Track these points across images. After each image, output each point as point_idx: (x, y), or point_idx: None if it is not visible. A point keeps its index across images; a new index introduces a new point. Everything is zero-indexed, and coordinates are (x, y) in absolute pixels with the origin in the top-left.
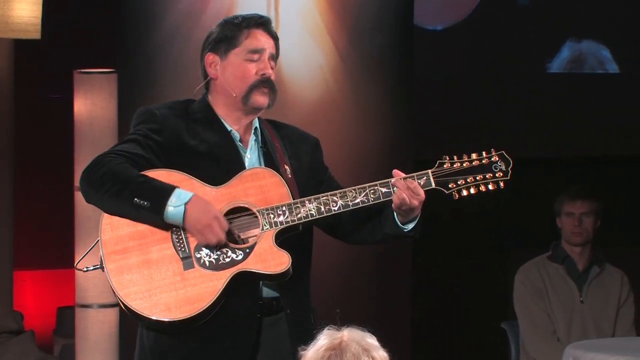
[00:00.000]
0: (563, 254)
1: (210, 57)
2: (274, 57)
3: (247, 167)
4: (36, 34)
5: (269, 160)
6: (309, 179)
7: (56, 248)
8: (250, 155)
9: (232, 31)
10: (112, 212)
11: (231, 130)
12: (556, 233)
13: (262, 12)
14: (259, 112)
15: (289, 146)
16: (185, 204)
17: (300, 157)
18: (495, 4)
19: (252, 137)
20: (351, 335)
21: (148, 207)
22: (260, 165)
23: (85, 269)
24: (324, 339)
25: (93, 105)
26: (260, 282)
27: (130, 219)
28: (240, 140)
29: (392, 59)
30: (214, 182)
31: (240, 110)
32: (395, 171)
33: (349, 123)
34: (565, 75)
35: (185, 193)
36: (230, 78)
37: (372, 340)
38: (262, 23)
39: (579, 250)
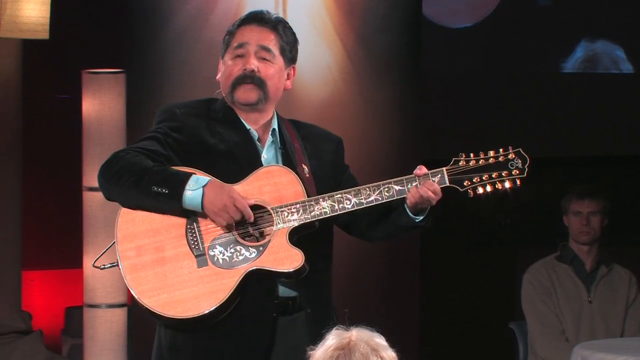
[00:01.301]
0: (571, 254)
1: (220, 63)
2: (267, 48)
3: (270, 164)
4: (44, 34)
5: (287, 160)
6: (328, 178)
7: (64, 248)
8: (267, 155)
9: (229, 33)
10: (132, 205)
11: (250, 129)
12: (566, 233)
13: (270, 11)
14: (257, 109)
15: (309, 146)
16: (203, 186)
17: (320, 157)
18: (516, 4)
19: (270, 137)
20: (360, 335)
21: (167, 193)
22: (278, 162)
23: (102, 267)
24: (332, 338)
25: (101, 105)
26: (277, 281)
27: (150, 210)
28: (259, 140)
29: (400, 58)
30: (231, 180)
31: (254, 110)
32: (418, 167)
33: (358, 123)
34: (579, 75)
35: (202, 178)
36: (222, 79)
37: (380, 340)
38: (252, 17)
39: (586, 250)
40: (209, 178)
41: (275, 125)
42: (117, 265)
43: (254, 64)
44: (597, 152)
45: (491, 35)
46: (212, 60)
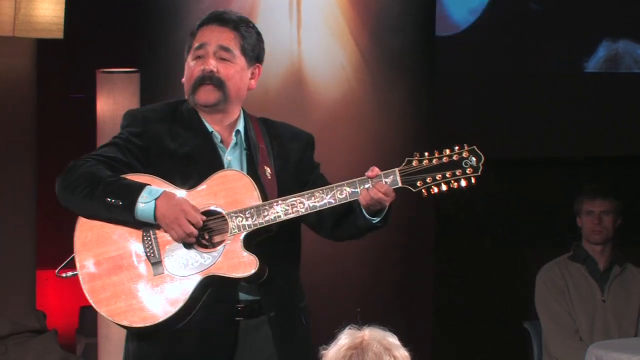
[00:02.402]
0: (584, 253)
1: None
2: (226, 48)
3: (225, 169)
4: (59, 34)
5: (250, 161)
6: (293, 178)
7: None
8: (230, 157)
9: (190, 35)
10: (87, 215)
11: (212, 131)
12: (580, 233)
13: (285, 11)
14: (218, 110)
15: (276, 146)
16: (156, 199)
17: (286, 157)
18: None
19: (234, 139)
20: (372, 334)
21: (120, 206)
22: (241, 166)
23: (65, 275)
24: (345, 338)
25: (115, 104)
26: (237, 286)
27: (105, 220)
28: (222, 142)
29: (414, 57)
30: (192, 185)
31: (217, 111)
32: (370, 169)
33: (371, 122)
34: (601, 75)
35: (156, 189)
36: (185, 81)
37: (393, 339)
38: (213, 18)
39: (599, 250)
40: (163, 190)
41: (240, 126)
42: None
43: (212, 64)
44: (619, 152)
45: (511, 35)
46: None
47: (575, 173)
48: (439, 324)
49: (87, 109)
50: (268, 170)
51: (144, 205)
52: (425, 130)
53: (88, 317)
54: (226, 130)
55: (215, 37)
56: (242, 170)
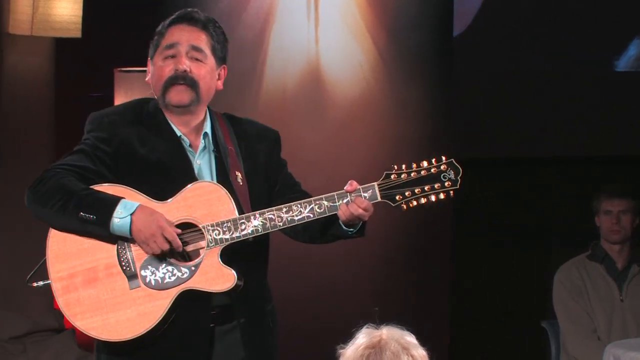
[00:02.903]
0: (602, 253)
1: (148, 64)
2: (198, 48)
3: (196, 174)
4: (77, 33)
5: (220, 165)
6: (264, 181)
7: None
8: (200, 161)
9: (158, 34)
10: (60, 228)
11: (181, 135)
12: (598, 232)
13: (302, 10)
14: (187, 111)
15: (244, 147)
16: (131, 214)
17: (255, 158)
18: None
19: (202, 142)
20: (390, 333)
21: (94, 220)
22: (211, 171)
23: (36, 284)
24: (362, 337)
25: None
26: (212, 295)
27: (77, 234)
28: (191, 146)
29: (431, 57)
30: (163, 193)
31: (186, 113)
32: (349, 183)
33: (388, 121)
34: (632, 74)
35: (131, 203)
36: (153, 81)
37: (411, 339)
38: (182, 17)
39: (617, 249)
40: (138, 203)
41: (207, 128)
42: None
43: (185, 63)
44: None
45: (539, 34)
46: (245, 60)
47: (601, 172)
48: (456, 323)
49: (105, 108)
50: (239, 175)
51: (120, 220)
52: (443, 129)
53: None
54: (193, 132)
55: (186, 36)
56: (212, 175)
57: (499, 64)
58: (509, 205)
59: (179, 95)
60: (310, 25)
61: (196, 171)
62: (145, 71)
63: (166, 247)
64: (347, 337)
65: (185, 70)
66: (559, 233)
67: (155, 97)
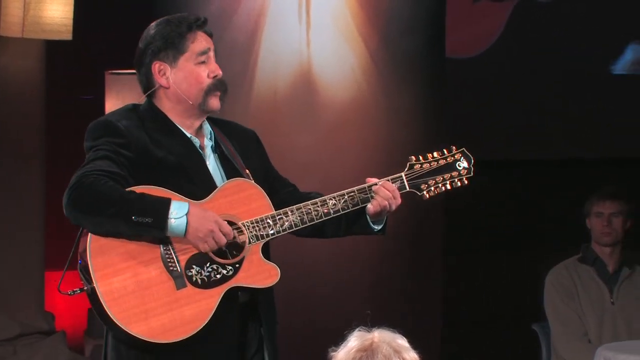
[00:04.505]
0: (593, 255)
1: (158, 66)
2: (215, 54)
3: (211, 173)
4: (68, 35)
5: (227, 162)
6: (264, 178)
7: None
8: (209, 161)
9: (177, 37)
10: (105, 233)
11: (190, 137)
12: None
13: (294, 12)
14: (208, 114)
15: (237, 145)
16: (186, 214)
17: (251, 156)
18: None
19: (209, 142)
20: (382, 336)
21: (150, 223)
22: (219, 170)
23: (71, 292)
24: (354, 340)
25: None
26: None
27: (126, 237)
28: (200, 147)
29: (423, 60)
30: (182, 194)
31: (194, 115)
32: (368, 179)
33: (380, 125)
34: (627, 77)
35: (180, 203)
36: (184, 85)
37: (402, 342)
38: (202, 24)
39: (608, 252)
40: (187, 202)
41: (209, 127)
42: (86, 290)
43: (220, 71)
44: None
45: (526, 37)
46: (236, 62)
47: (595, 174)
48: (448, 326)
49: (96, 110)
50: (248, 172)
51: (175, 221)
52: (435, 133)
53: (96, 318)
54: (197, 134)
55: (209, 43)
56: (221, 174)
57: (492, 68)
58: (500, 208)
59: (218, 101)
60: (301, 27)
61: (211, 171)
62: (135, 73)
63: (224, 242)
64: (339, 340)
65: (221, 77)
66: (550, 235)
67: (191, 102)
